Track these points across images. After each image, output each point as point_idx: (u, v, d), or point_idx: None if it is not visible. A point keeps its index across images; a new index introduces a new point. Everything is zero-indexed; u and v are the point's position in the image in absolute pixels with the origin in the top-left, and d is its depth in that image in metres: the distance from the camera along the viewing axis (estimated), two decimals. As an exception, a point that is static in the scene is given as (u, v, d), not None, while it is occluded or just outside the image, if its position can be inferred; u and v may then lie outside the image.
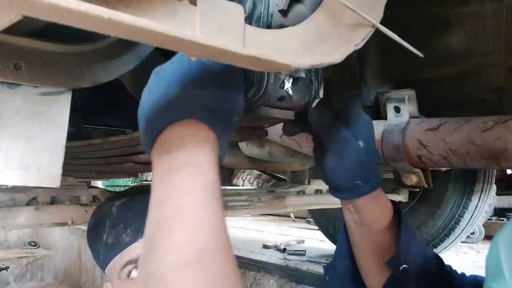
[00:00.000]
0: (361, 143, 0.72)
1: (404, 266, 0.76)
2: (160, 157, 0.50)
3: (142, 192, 1.04)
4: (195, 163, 0.48)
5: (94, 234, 0.98)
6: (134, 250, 0.90)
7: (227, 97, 0.53)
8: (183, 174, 0.47)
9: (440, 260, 0.86)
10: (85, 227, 1.06)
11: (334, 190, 0.78)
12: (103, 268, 0.96)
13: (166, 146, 0.50)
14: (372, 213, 0.78)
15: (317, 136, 0.76)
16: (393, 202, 0.81)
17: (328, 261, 0.91)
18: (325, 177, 0.77)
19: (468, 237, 3.26)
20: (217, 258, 0.42)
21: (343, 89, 0.87)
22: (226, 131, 0.53)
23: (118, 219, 0.95)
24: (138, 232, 0.91)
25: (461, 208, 2.39)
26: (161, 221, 0.44)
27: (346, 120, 0.73)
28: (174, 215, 0.44)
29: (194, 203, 0.45)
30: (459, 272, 0.87)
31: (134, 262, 0.90)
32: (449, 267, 0.87)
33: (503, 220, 4.06)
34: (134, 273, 0.90)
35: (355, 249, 0.84)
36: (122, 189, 1.16)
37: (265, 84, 0.59)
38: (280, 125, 0.99)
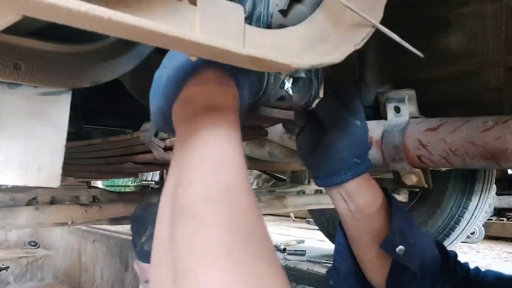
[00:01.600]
0: (358, 123, 0.77)
1: (400, 247, 0.76)
2: (185, 108, 0.49)
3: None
4: (220, 111, 0.47)
5: (136, 227, 1.01)
6: None
7: None
8: (207, 120, 0.46)
9: (442, 246, 0.85)
10: (85, 227, 1.06)
11: (330, 174, 0.79)
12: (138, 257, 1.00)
13: (190, 97, 0.49)
14: (364, 196, 0.79)
15: (316, 120, 0.78)
16: (381, 186, 0.84)
17: (328, 262, 0.91)
18: (323, 159, 0.78)
19: (468, 237, 3.26)
20: (242, 193, 0.43)
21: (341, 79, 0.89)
22: (245, 82, 0.52)
23: (140, 224, 0.98)
24: None
25: (461, 208, 2.39)
26: (185, 159, 0.45)
27: (343, 102, 0.77)
28: (198, 154, 0.44)
29: (218, 142, 0.45)
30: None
31: None
32: (455, 257, 0.86)
33: (503, 220, 4.05)
34: None
35: (353, 243, 0.84)
36: (122, 189, 1.16)
37: (265, 84, 0.59)
38: (280, 125, 0.99)
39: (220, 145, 0.45)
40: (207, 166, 0.43)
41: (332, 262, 0.89)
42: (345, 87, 0.80)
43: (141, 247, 0.97)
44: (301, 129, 0.82)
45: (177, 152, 0.47)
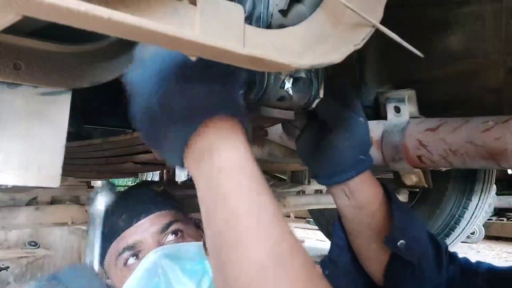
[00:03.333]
0: (361, 120, 0.77)
1: (401, 241, 0.76)
2: (200, 160, 0.47)
3: (140, 186, 1.05)
4: (236, 157, 0.46)
5: (97, 230, 0.96)
6: (130, 236, 0.89)
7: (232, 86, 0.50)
8: (230, 174, 0.45)
9: (434, 239, 0.86)
10: (85, 227, 1.06)
11: (334, 173, 0.79)
12: (101, 261, 0.93)
13: (203, 147, 0.47)
14: (366, 193, 0.81)
15: (316, 121, 0.78)
16: (381, 182, 0.85)
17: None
18: (327, 160, 0.78)
19: (468, 237, 3.27)
20: (295, 255, 0.41)
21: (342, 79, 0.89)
22: (245, 116, 0.51)
23: (115, 207, 0.94)
24: (132, 217, 0.90)
25: (461, 208, 2.39)
26: (230, 219, 0.42)
27: (345, 100, 0.77)
28: (244, 214, 0.42)
29: (254, 203, 0.43)
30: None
31: (130, 248, 0.88)
32: (446, 249, 0.86)
33: (503, 220, 4.06)
34: (131, 260, 0.88)
35: (353, 237, 0.86)
36: (122, 189, 1.17)
37: (265, 84, 0.59)
38: (280, 125, 0.99)
39: (258, 208, 0.43)
40: (257, 231, 0.41)
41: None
42: (344, 86, 0.80)
43: (103, 236, 0.91)
44: (301, 130, 0.83)
45: (212, 207, 0.45)
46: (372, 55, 1.07)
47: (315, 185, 2.35)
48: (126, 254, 0.88)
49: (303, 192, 2.31)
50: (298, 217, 5.26)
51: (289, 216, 5.43)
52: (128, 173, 1.38)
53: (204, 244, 0.90)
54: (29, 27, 0.59)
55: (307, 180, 2.38)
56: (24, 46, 0.59)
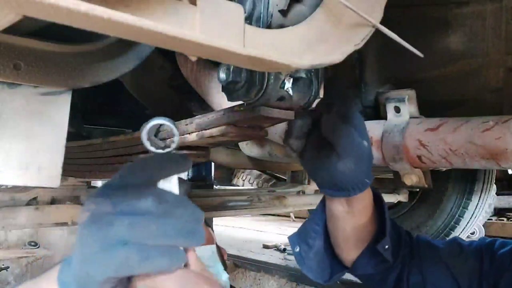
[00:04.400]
0: (365, 143, 0.76)
1: (387, 246, 0.87)
2: None
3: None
4: None
5: None
6: None
7: None
8: None
9: (396, 225, 0.97)
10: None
11: (338, 190, 0.81)
12: None
13: None
14: (362, 204, 0.86)
15: (320, 137, 0.77)
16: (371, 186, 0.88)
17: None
18: (331, 178, 0.79)
19: (468, 237, 3.26)
20: None
21: (342, 88, 0.88)
22: None
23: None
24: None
25: (461, 208, 2.39)
26: None
27: (351, 122, 0.75)
28: None
29: None
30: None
31: None
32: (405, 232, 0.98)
33: (503, 220, 4.06)
34: None
35: (333, 229, 0.91)
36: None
37: (265, 84, 0.59)
38: (280, 125, 0.99)
39: None
40: None
41: None
42: (351, 106, 0.79)
43: None
44: (304, 145, 0.81)
45: None
46: (372, 55, 1.06)
47: (315, 185, 2.35)
48: None
49: (303, 192, 2.32)
50: (298, 217, 5.26)
51: (289, 216, 5.43)
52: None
53: (217, 246, 0.92)
54: (29, 27, 0.59)
55: (307, 180, 2.38)
56: (24, 46, 0.59)
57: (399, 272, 0.92)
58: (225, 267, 0.95)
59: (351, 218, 0.87)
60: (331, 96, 0.74)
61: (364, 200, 0.85)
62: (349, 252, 0.93)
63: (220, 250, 0.99)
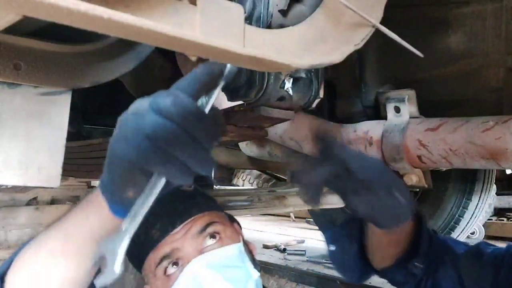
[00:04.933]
0: (398, 196, 0.73)
1: (417, 264, 0.90)
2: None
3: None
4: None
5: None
6: (167, 244, 0.86)
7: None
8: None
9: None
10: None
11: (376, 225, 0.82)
12: (139, 269, 0.93)
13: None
14: (402, 227, 0.86)
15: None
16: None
17: (328, 262, 1.01)
18: (371, 220, 0.80)
19: (468, 237, 3.26)
20: None
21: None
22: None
23: (146, 215, 0.91)
24: (167, 226, 0.87)
25: (461, 208, 2.39)
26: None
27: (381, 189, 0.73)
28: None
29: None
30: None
31: (168, 257, 0.86)
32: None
33: (503, 220, 4.05)
34: (170, 269, 0.86)
35: (371, 242, 0.92)
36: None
37: (265, 84, 0.59)
38: (280, 125, 0.99)
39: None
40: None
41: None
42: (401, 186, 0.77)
43: (136, 245, 0.90)
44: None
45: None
46: (372, 55, 1.06)
47: (315, 185, 2.35)
48: (165, 263, 0.86)
49: (303, 192, 2.31)
50: (298, 217, 5.26)
51: (289, 216, 5.42)
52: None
53: (245, 242, 0.92)
54: (29, 27, 0.59)
55: (307, 180, 2.38)
56: (24, 46, 0.59)
57: (420, 278, 0.95)
58: (255, 265, 0.92)
59: (388, 237, 0.88)
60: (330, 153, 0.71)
61: (403, 228, 0.87)
62: (382, 260, 0.95)
63: (248, 247, 0.97)
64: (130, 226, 0.54)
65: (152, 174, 0.51)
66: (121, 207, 0.56)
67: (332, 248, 1.00)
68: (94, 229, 0.61)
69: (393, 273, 0.94)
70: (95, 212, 0.60)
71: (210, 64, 0.54)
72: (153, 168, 0.50)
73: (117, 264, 0.52)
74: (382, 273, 0.96)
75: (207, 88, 0.52)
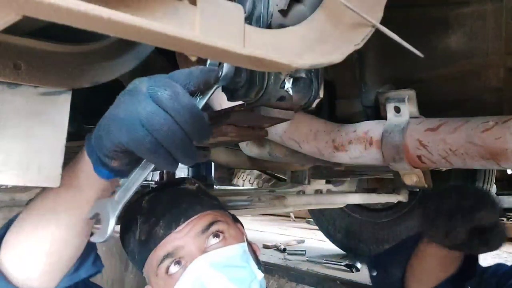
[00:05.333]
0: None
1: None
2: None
3: (169, 186, 1.00)
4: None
5: (126, 234, 0.92)
6: (170, 242, 0.85)
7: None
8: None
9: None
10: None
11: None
12: (140, 269, 0.91)
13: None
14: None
15: None
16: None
17: (328, 262, 1.04)
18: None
19: (468, 237, 3.26)
20: None
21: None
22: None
23: (148, 213, 0.89)
24: (171, 223, 0.86)
25: (461, 208, 2.38)
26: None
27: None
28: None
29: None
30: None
31: (171, 255, 0.85)
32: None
33: (503, 220, 4.05)
34: (172, 268, 0.85)
35: (419, 268, 0.97)
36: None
37: (265, 84, 0.59)
38: (280, 125, 0.99)
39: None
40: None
41: (332, 261, 0.99)
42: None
43: (139, 243, 0.88)
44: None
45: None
46: (372, 55, 1.06)
47: (315, 185, 2.35)
48: (167, 261, 0.85)
49: (303, 192, 2.31)
50: (298, 217, 5.26)
51: (289, 216, 5.43)
52: (128, 173, 1.37)
53: (249, 242, 0.92)
54: (29, 27, 0.59)
55: (307, 180, 2.38)
56: (24, 46, 0.59)
57: None
58: (259, 265, 0.91)
59: (444, 260, 0.92)
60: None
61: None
62: (420, 285, 0.97)
63: (251, 247, 0.96)
64: (123, 197, 0.58)
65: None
66: (105, 172, 0.59)
67: (374, 273, 1.04)
68: (83, 187, 0.63)
69: None
70: (83, 171, 0.63)
71: (208, 66, 0.55)
72: (141, 155, 0.52)
73: (109, 230, 0.57)
74: None
75: (202, 88, 0.53)
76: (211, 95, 0.56)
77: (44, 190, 0.67)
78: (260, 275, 0.88)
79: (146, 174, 0.57)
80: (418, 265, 0.97)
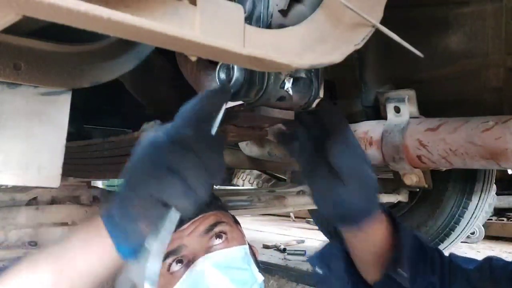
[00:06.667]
0: (374, 176, 0.73)
1: (404, 274, 0.80)
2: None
3: None
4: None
5: None
6: (174, 240, 0.84)
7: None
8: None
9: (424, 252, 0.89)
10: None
11: (345, 222, 0.78)
12: None
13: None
14: (376, 231, 0.80)
15: (328, 165, 0.73)
16: (384, 209, 0.83)
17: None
18: (338, 211, 0.75)
19: (468, 237, 3.26)
20: None
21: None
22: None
23: None
24: None
25: (461, 208, 2.38)
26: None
27: (362, 154, 0.74)
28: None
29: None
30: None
31: (174, 253, 0.84)
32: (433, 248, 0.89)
33: (503, 220, 4.06)
34: (174, 266, 0.84)
35: (354, 256, 0.86)
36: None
37: (265, 84, 0.59)
38: (280, 125, 0.99)
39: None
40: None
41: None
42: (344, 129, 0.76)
43: None
44: (311, 171, 0.77)
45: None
46: (372, 55, 1.06)
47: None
48: (170, 259, 0.84)
49: (303, 192, 2.31)
50: (298, 217, 5.26)
51: (289, 216, 5.42)
52: (128, 173, 1.37)
53: (249, 245, 0.90)
54: (29, 27, 0.59)
55: (307, 180, 2.37)
56: (24, 46, 0.59)
57: None
58: (259, 268, 0.92)
59: (367, 246, 0.83)
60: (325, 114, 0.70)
61: (377, 228, 0.81)
62: (370, 274, 0.88)
63: (252, 249, 0.96)
64: (154, 264, 0.53)
65: (165, 207, 0.52)
66: (129, 247, 0.54)
67: (319, 271, 0.92)
68: (94, 268, 0.57)
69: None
70: (96, 249, 0.56)
71: (219, 85, 0.55)
72: (172, 200, 0.51)
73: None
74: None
75: (215, 114, 0.54)
76: (223, 113, 0.56)
77: (46, 256, 0.58)
78: (260, 278, 0.88)
79: (172, 230, 0.54)
80: (351, 254, 0.87)
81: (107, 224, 0.54)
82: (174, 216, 0.53)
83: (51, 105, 0.63)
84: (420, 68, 1.01)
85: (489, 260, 0.87)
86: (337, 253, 0.89)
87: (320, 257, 0.93)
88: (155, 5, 0.34)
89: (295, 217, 5.36)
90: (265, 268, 2.79)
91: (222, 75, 0.59)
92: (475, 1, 0.93)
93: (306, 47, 0.45)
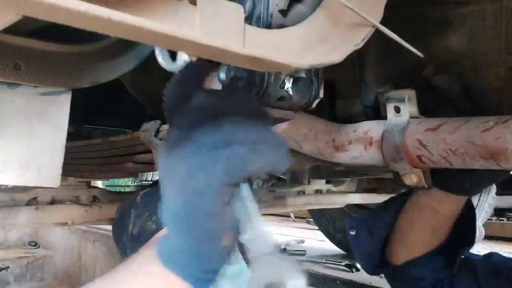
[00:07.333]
0: None
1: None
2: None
3: None
4: None
5: (119, 228, 0.92)
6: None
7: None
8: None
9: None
10: (85, 227, 1.04)
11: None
12: None
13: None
14: (457, 207, 0.87)
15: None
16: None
17: (328, 262, 0.98)
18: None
19: (468, 237, 3.26)
20: None
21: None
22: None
23: (142, 207, 0.89)
24: None
25: (461, 208, 2.38)
26: None
27: None
28: None
29: None
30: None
31: None
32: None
33: (503, 220, 4.05)
34: None
35: (409, 229, 0.90)
36: (123, 189, 1.15)
37: (265, 84, 0.59)
38: (280, 125, 0.99)
39: None
40: None
41: (332, 261, 0.95)
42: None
43: (131, 238, 0.90)
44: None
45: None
46: (372, 55, 1.06)
47: (315, 185, 2.35)
48: None
49: (303, 192, 2.31)
50: (298, 217, 5.26)
51: (289, 216, 5.42)
52: (128, 173, 1.38)
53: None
54: (29, 27, 0.59)
55: (307, 180, 2.37)
56: (24, 46, 0.59)
57: (441, 279, 0.91)
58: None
59: (437, 219, 0.86)
60: None
61: (458, 206, 0.86)
62: (409, 251, 0.91)
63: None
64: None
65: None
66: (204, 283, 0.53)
67: (353, 232, 0.97)
68: None
69: (419, 266, 0.90)
70: None
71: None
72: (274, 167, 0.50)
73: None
74: (404, 268, 0.92)
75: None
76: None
77: None
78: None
79: None
80: (407, 224, 0.89)
81: (181, 272, 0.51)
82: (244, 189, 0.50)
83: (51, 105, 0.64)
84: (420, 68, 1.01)
85: (490, 257, 0.90)
86: (388, 221, 0.94)
87: (362, 220, 0.96)
88: (155, 5, 0.34)
89: (295, 217, 5.35)
90: (265, 268, 2.78)
91: (223, 75, 0.59)
92: (475, 1, 0.93)
93: (306, 47, 0.45)
